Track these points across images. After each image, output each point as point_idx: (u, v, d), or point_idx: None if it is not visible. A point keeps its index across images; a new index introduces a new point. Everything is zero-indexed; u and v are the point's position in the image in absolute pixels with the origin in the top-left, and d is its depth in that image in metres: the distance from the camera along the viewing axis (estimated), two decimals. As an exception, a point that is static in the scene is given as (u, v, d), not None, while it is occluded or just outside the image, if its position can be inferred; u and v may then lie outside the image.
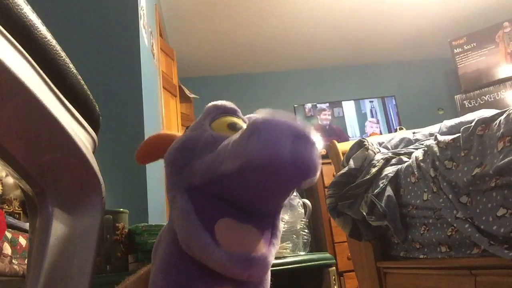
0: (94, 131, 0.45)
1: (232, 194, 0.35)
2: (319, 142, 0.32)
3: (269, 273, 0.39)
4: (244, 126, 0.40)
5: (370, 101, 3.95)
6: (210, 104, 0.42)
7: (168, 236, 0.38)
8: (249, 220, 0.35)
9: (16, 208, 1.18)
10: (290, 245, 1.22)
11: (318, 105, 3.86)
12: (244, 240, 0.34)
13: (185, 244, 0.34)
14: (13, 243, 1.00)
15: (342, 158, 1.57)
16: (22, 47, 0.32)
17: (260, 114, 0.32)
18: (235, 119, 0.41)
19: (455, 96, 3.80)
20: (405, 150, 1.43)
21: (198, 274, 0.35)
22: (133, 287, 0.42)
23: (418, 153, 1.20)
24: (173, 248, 0.36)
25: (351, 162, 1.41)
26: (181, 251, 0.35)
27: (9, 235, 1.00)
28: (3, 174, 1.21)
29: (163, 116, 2.38)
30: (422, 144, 1.38)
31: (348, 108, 3.90)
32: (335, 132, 3.77)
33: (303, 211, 1.32)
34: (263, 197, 0.35)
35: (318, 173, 0.32)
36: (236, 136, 0.33)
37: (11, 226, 1.04)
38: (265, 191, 0.34)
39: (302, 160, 0.30)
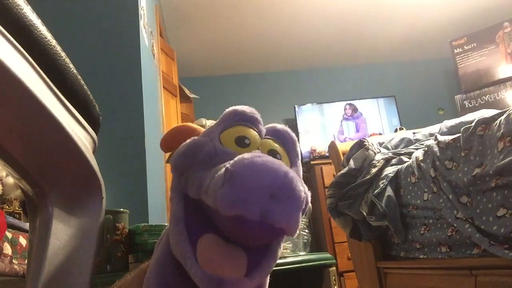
0: (94, 131, 0.45)
1: (217, 221, 0.34)
2: (304, 197, 0.30)
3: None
4: (256, 139, 0.39)
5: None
6: (230, 108, 0.41)
7: (167, 236, 0.39)
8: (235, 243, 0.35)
9: (17, 208, 1.18)
10: (290, 245, 1.22)
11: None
12: (224, 260, 0.33)
13: (173, 248, 0.35)
14: (14, 243, 1.00)
15: (342, 158, 1.57)
16: (22, 47, 0.32)
17: (244, 156, 0.31)
18: (247, 132, 0.39)
19: (455, 96, 3.80)
20: (405, 150, 1.43)
21: (184, 277, 0.35)
22: (133, 281, 0.42)
23: (418, 153, 1.20)
24: (167, 247, 0.37)
25: (351, 162, 1.41)
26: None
27: (9, 235, 1.00)
28: (3, 174, 1.21)
29: (163, 116, 2.38)
30: (422, 144, 1.38)
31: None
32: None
33: (303, 211, 1.32)
34: (242, 236, 0.34)
35: (296, 232, 0.30)
36: (219, 172, 0.32)
37: (12, 226, 1.04)
38: (242, 233, 0.33)
39: (272, 221, 0.28)
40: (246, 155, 0.31)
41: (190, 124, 0.45)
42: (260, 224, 0.28)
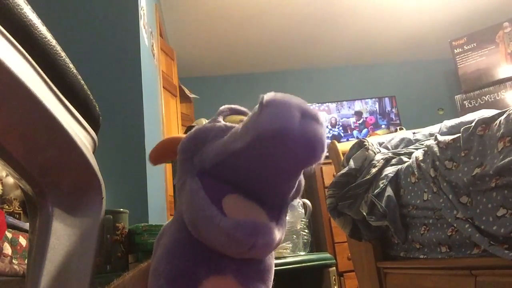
0: (94, 131, 0.45)
1: (241, 176, 0.36)
2: (325, 124, 0.34)
3: (271, 271, 0.39)
4: None
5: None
6: (223, 106, 0.44)
7: (173, 225, 0.39)
8: (256, 202, 0.36)
9: (17, 208, 1.18)
10: (290, 245, 1.22)
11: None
12: (250, 212, 0.35)
13: (192, 221, 0.35)
14: (13, 243, 1.00)
15: (342, 158, 1.57)
16: (22, 47, 0.32)
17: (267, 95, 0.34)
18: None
19: (455, 96, 3.80)
20: (405, 150, 1.43)
21: (201, 260, 0.35)
22: (131, 280, 0.42)
23: (418, 153, 1.20)
24: (178, 234, 0.37)
25: (351, 162, 1.41)
26: (186, 236, 0.36)
27: (9, 235, 1.00)
28: (3, 174, 1.21)
29: (163, 116, 2.38)
30: (422, 144, 1.38)
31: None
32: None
33: (303, 211, 1.32)
34: (271, 178, 0.35)
35: (324, 154, 0.33)
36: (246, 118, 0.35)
37: (12, 226, 1.04)
38: (272, 170, 0.35)
39: (310, 136, 0.31)
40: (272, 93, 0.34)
41: (180, 135, 0.45)
42: (298, 139, 0.31)
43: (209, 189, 0.35)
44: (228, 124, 0.39)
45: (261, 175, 0.35)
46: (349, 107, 4.01)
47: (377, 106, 4.02)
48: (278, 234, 0.35)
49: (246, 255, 0.34)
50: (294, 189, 0.38)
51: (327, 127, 3.87)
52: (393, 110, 4.02)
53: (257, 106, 0.33)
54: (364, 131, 3.94)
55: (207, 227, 0.34)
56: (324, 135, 0.32)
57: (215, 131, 0.38)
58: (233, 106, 0.44)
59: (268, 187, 0.36)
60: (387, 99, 4.03)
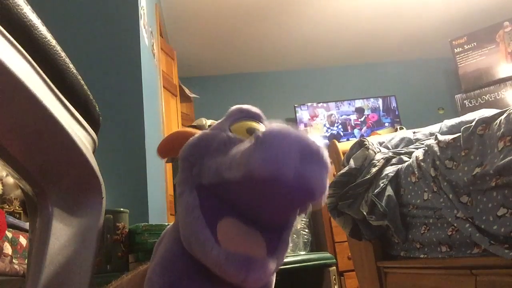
0: (94, 131, 0.45)
1: (237, 201, 0.34)
2: (329, 162, 0.32)
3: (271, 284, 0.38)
4: None
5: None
6: (234, 107, 0.42)
7: (171, 234, 0.38)
8: (255, 225, 0.35)
9: (17, 207, 1.18)
10: (291, 245, 1.22)
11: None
12: (246, 241, 0.33)
13: (186, 240, 0.34)
14: (14, 243, 1.00)
15: (342, 157, 1.57)
16: (22, 47, 0.32)
17: (272, 125, 0.32)
18: (256, 125, 0.40)
19: (456, 96, 3.80)
20: (405, 149, 1.43)
21: (196, 275, 0.34)
22: (129, 283, 0.42)
23: (419, 153, 1.20)
24: (174, 246, 0.36)
25: (352, 161, 1.41)
26: (182, 249, 0.35)
27: (9, 234, 1.00)
28: (4, 174, 1.21)
29: (163, 116, 2.38)
30: (423, 144, 1.38)
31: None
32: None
33: (303, 210, 1.32)
34: (267, 210, 0.34)
35: (324, 197, 0.31)
36: (246, 144, 0.32)
37: (12, 226, 1.04)
38: (267, 205, 0.33)
39: (306, 182, 0.29)
40: (273, 125, 0.31)
41: (188, 129, 0.44)
42: (293, 185, 0.29)
43: (206, 208, 0.34)
44: (231, 136, 0.38)
45: (257, 204, 0.33)
46: (349, 104, 3.98)
47: (380, 103, 3.99)
48: (273, 266, 0.33)
49: (237, 285, 0.33)
50: (297, 212, 0.37)
51: (324, 125, 3.85)
52: (399, 106, 3.99)
53: (253, 141, 0.31)
54: (365, 129, 3.91)
55: (199, 250, 0.32)
56: (324, 176, 0.30)
57: (216, 143, 0.37)
58: (244, 107, 0.41)
59: (264, 214, 0.35)
60: (386, 98, 4.02)
